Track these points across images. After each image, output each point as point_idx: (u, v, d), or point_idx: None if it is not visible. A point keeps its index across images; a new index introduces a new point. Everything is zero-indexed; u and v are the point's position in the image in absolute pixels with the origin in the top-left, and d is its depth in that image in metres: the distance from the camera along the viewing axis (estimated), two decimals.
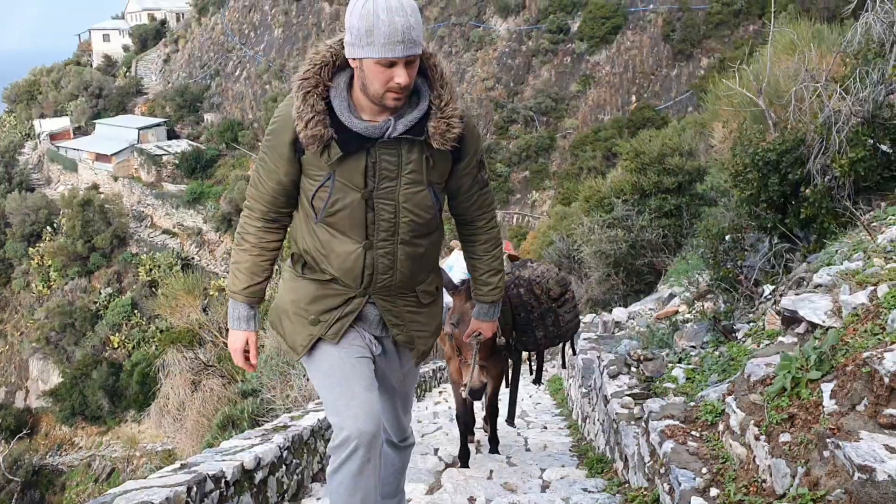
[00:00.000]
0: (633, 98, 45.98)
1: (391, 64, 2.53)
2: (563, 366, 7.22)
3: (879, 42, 6.60)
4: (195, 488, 3.35)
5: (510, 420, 7.61)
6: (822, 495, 2.96)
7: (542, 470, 5.58)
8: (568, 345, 6.84)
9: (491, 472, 5.52)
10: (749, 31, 44.22)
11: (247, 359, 3.11)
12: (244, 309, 3.06)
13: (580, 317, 6.05)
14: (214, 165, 55.63)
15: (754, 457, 3.60)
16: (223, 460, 3.99)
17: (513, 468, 5.70)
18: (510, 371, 6.55)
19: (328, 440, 5.79)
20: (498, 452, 6.29)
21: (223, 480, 3.67)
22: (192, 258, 50.90)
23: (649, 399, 4.81)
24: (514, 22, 50.53)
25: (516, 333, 5.70)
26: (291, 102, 2.73)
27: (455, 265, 5.42)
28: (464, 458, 5.87)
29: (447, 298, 4.50)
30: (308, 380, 10.09)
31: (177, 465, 3.93)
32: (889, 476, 2.68)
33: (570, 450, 6.70)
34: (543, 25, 49.19)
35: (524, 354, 6.91)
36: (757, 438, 3.57)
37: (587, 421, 7.09)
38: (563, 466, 5.71)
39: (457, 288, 4.51)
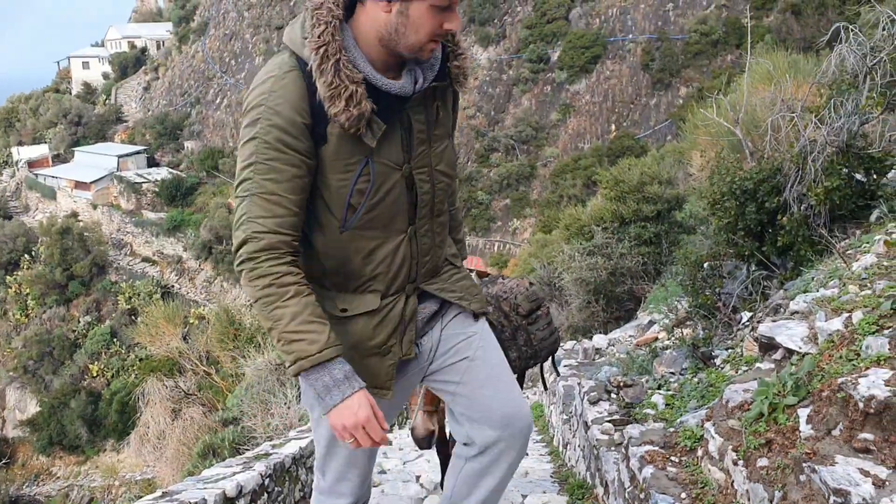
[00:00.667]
0: (613, 127, 46.54)
1: (448, 6, 2.13)
2: (545, 388, 6.33)
3: (853, 73, 6.78)
4: None
5: None
6: None
7: (524, 496, 5.57)
8: (548, 366, 6.16)
9: None
10: (727, 60, 45.01)
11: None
12: (339, 366, 2.21)
13: (558, 335, 5.43)
14: (195, 193, 55.52)
15: (732, 481, 3.64)
16: (205, 488, 3.97)
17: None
18: None
19: (310, 468, 5.77)
20: None
21: None
22: (172, 286, 50.55)
23: (629, 425, 4.84)
24: (494, 51, 51.13)
25: None
26: (279, 75, 2.13)
27: None
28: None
29: None
30: (289, 407, 10.04)
31: (158, 493, 3.90)
32: (863, 499, 2.72)
33: (551, 476, 6.70)
34: (524, 55, 49.82)
35: None
36: (735, 463, 3.60)
37: (568, 447, 7.10)
38: (544, 493, 5.71)
39: None
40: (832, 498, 2.85)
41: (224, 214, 48.46)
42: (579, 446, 6.26)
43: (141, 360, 35.55)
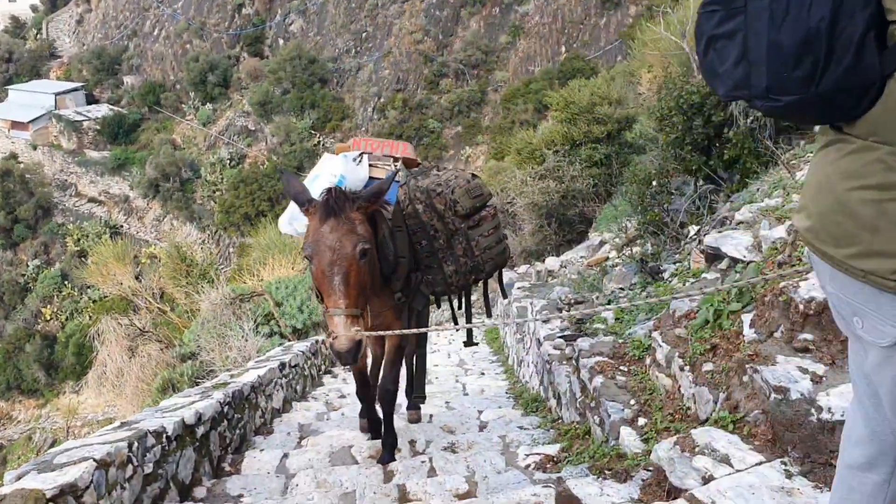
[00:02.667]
0: (563, 48, 46.06)
1: None
2: (489, 314, 5.23)
3: None
4: (136, 443, 3.31)
5: (417, 396, 5.48)
6: (741, 417, 3.11)
7: (480, 412, 5.70)
8: (494, 285, 4.97)
9: (431, 416, 5.61)
10: None
11: None
12: None
13: (507, 246, 4.54)
14: (138, 130, 53.71)
15: (679, 386, 3.76)
16: (164, 417, 3.96)
17: (451, 412, 5.81)
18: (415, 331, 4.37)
19: (269, 395, 5.80)
20: (393, 458, 4.40)
21: (164, 435, 3.65)
22: (121, 226, 49.41)
23: (579, 339, 4.94)
24: None
25: (418, 272, 4.19)
26: None
27: (322, 174, 3.99)
28: (374, 431, 4.75)
29: None
30: (246, 340, 10.00)
31: (117, 423, 3.88)
32: (801, 394, 2.83)
33: (506, 392, 6.85)
34: None
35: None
36: (682, 369, 3.71)
37: (522, 365, 7.24)
38: (499, 408, 5.85)
39: (305, 204, 3.44)
40: (773, 395, 2.96)
41: (169, 151, 47.17)
42: (532, 363, 6.39)
43: (94, 301, 34.99)
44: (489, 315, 5.32)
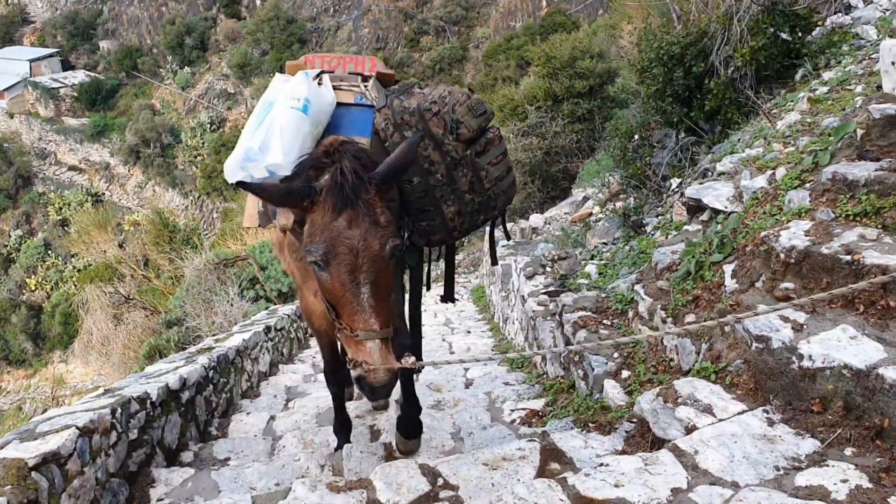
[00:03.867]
0: (544, 3, 45.48)
1: None
2: (494, 262, 4.20)
3: None
4: (119, 410, 3.30)
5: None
6: (723, 367, 3.12)
7: (466, 369, 5.72)
8: (498, 228, 4.03)
9: (418, 376, 5.63)
10: None
11: None
12: None
13: (514, 176, 3.61)
14: (116, 96, 52.86)
15: (662, 338, 3.77)
16: (147, 383, 3.95)
17: (438, 370, 5.83)
18: (405, 289, 3.90)
19: (255, 359, 5.79)
20: (417, 436, 3.69)
21: (149, 401, 3.63)
22: (103, 194, 48.90)
23: (563, 294, 4.94)
24: None
25: (408, 218, 3.40)
26: None
27: (278, 101, 3.12)
28: (342, 433, 3.93)
29: None
30: (232, 305, 9.99)
31: (100, 390, 3.86)
32: (782, 343, 2.84)
33: (492, 349, 6.88)
34: None
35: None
36: (664, 321, 3.72)
37: (507, 322, 7.27)
38: (485, 364, 5.87)
39: (307, 197, 2.59)
40: (754, 344, 2.97)
41: (148, 116, 46.54)
42: (517, 319, 6.41)
43: (79, 270, 34.78)
44: (494, 262, 4.22)
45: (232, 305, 9.79)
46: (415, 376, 4.98)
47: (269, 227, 3.45)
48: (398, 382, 3.09)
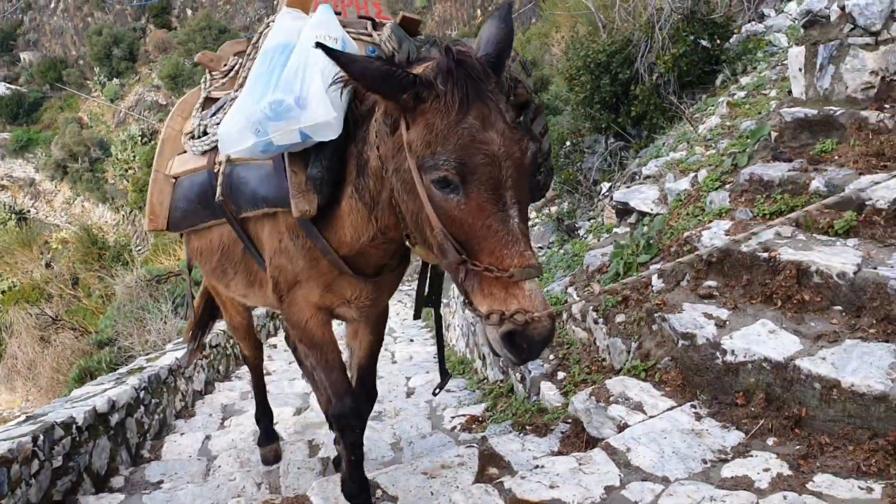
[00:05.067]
0: (479, 12, 45.91)
1: None
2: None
3: None
4: (42, 437, 3.19)
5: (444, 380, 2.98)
6: (652, 365, 3.21)
7: (408, 378, 5.73)
8: None
9: None
10: None
11: None
12: None
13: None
14: (40, 109, 51.09)
15: (595, 339, 3.85)
16: (73, 407, 3.83)
17: (379, 381, 5.76)
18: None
19: (189, 378, 5.67)
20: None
21: (74, 426, 3.52)
22: (28, 211, 47.18)
23: None
24: None
25: None
26: None
27: (303, 42, 2.30)
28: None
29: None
30: (165, 322, 9.75)
31: (21, 417, 3.72)
32: (707, 339, 2.94)
33: (433, 357, 6.89)
34: None
35: None
36: (596, 322, 3.80)
37: (450, 328, 7.30)
38: (427, 373, 5.89)
39: (414, 86, 1.89)
40: (681, 342, 3.06)
41: (76, 130, 45.16)
42: (458, 326, 6.44)
43: (2, 292, 33.48)
44: None
45: (165, 323, 9.55)
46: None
47: (189, 230, 2.98)
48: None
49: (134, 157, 42.92)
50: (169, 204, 2.94)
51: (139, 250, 24.14)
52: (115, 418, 4.05)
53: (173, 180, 2.93)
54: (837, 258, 2.92)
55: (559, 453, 3.05)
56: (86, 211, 44.76)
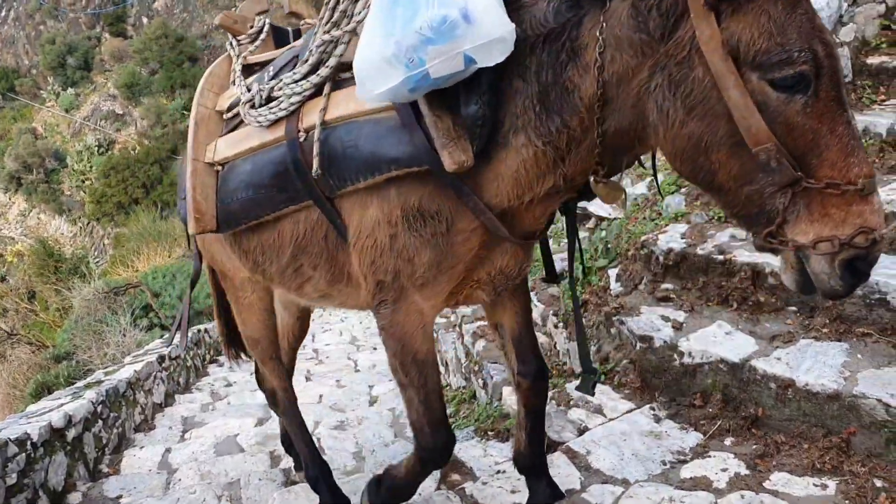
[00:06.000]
0: None
1: None
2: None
3: None
4: None
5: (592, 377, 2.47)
6: (611, 367, 3.24)
7: (371, 387, 5.70)
8: None
9: (321, 396, 5.56)
10: None
11: None
12: None
13: None
14: None
15: (555, 343, 3.87)
16: (29, 422, 3.74)
17: (342, 389, 5.78)
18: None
19: (149, 390, 5.58)
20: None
21: (29, 442, 3.44)
22: None
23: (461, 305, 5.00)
24: None
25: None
26: None
27: None
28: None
29: None
30: (125, 335, 9.59)
31: None
32: (664, 342, 2.97)
33: None
34: None
35: None
36: (556, 326, 3.82)
37: None
38: (390, 381, 5.85)
39: None
40: (639, 344, 3.09)
41: (30, 140, 44.19)
42: None
43: None
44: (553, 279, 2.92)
45: (124, 336, 9.40)
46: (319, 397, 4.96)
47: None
48: None
49: (91, 167, 42.15)
50: (218, 196, 2.32)
51: (97, 262, 23.70)
52: (71, 433, 3.96)
53: (218, 168, 2.33)
54: None
55: None
56: (42, 223, 43.81)
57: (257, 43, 2.65)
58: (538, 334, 4.00)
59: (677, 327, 3.03)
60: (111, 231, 38.69)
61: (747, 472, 2.40)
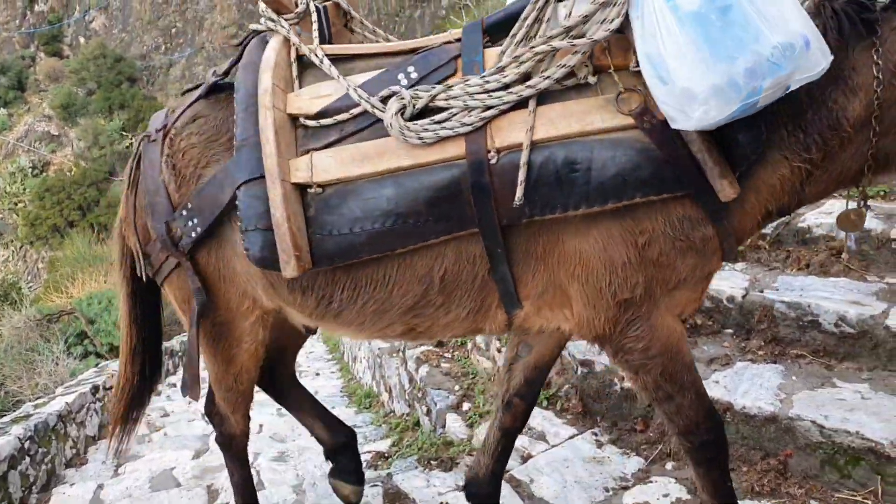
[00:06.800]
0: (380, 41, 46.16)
1: None
2: None
3: None
4: None
5: None
6: (554, 392, 3.22)
7: None
8: None
9: (261, 426, 5.42)
10: None
11: None
12: None
13: None
14: None
15: (498, 368, 3.85)
16: None
17: (282, 419, 5.63)
18: None
19: (81, 423, 5.36)
20: None
21: None
22: None
23: None
24: None
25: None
26: None
27: None
28: None
29: None
30: (57, 364, 9.24)
31: None
32: (605, 366, 2.97)
33: (340, 391, 6.77)
34: None
35: None
36: (499, 351, 3.80)
37: (356, 361, 7.19)
38: (333, 408, 5.73)
39: None
40: (580, 369, 3.09)
41: None
42: (365, 358, 6.35)
43: None
44: None
45: (58, 365, 9.05)
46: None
47: None
48: None
49: (24, 189, 40.84)
50: (314, 225, 1.91)
51: (31, 287, 22.89)
52: None
53: (317, 189, 1.90)
54: (727, 282, 3.02)
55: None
56: None
57: (311, 34, 2.17)
58: (483, 359, 3.99)
59: None
60: (45, 255, 37.46)
61: (688, 497, 2.41)
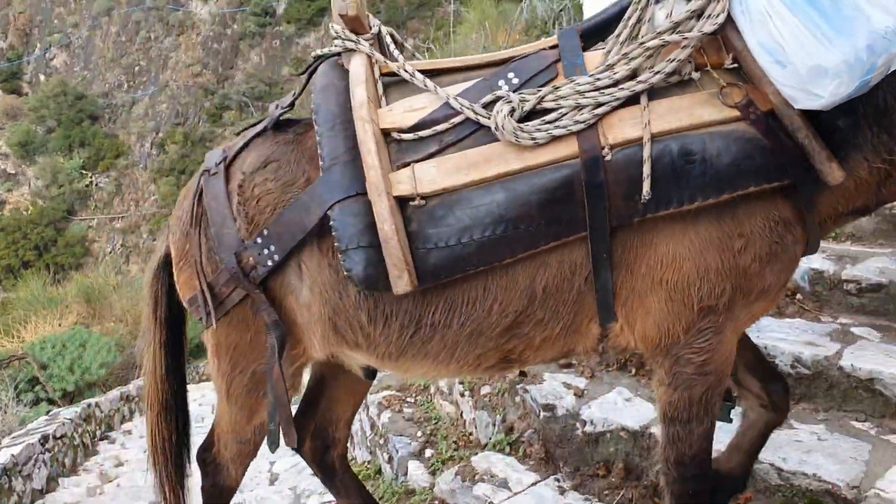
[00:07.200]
0: None
1: None
2: None
3: (543, 19, 7.29)
4: None
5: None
6: (516, 438, 3.19)
7: (272, 463, 5.45)
8: None
9: None
10: (447, 11, 46.57)
11: None
12: None
13: None
14: None
15: (462, 412, 3.80)
16: None
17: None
18: None
19: (28, 475, 5.16)
20: None
21: None
22: None
23: None
24: (216, 5, 48.45)
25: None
26: None
27: None
28: None
29: None
30: (6, 412, 8.92)
31: None
32: (567, 410, 2.95)
33: None
34: (248, 8, 47.80)
35: None
36: (462, 395, 3.76)
37: None
38: (293, 455, 5.62)
39: None
40: (542, 413, 3.06)
41: None
42: None
43: None
44: None
45: (6, 412, 8.72)
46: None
47: None
48: None
49: None
50: (417, 239, 1.84)
51: None
52: None
53: (419, 202, 1.85)
54: None
55: None
56: None
57: (388, 48, 2.19)
58: (446, 403, 3.94)
59: (579, 395, 3.03)
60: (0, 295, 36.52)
61: None
